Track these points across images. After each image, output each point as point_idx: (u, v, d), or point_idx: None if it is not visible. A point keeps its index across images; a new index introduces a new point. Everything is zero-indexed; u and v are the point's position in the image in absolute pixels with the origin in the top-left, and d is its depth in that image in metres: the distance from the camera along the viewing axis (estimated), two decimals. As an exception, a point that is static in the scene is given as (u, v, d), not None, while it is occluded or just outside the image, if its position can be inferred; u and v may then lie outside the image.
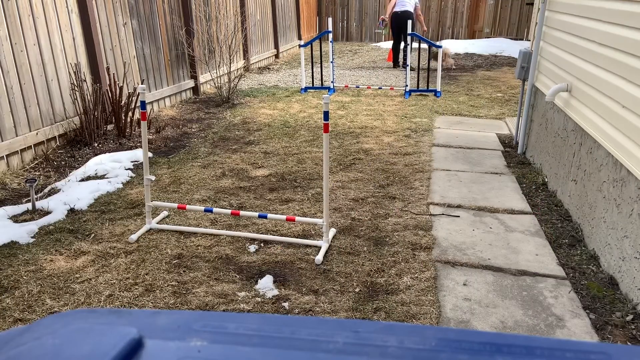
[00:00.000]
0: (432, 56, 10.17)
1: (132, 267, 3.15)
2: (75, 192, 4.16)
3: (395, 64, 10.83)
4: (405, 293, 2.87)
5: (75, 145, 5.29)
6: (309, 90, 8.54)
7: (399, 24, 10.13)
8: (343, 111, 7.14)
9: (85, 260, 3.22)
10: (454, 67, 10.75)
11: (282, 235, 3.57)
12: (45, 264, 3.17)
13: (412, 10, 10.14)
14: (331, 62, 8.44)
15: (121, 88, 5.53)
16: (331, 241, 3.45)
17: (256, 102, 7.71)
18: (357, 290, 2.92)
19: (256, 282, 2.99)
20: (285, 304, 2.79)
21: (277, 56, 12.10)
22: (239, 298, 2.84)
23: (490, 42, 13.29)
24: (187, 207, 3.65)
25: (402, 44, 10.57)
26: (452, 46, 12.80)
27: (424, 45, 10.52)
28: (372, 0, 15.30)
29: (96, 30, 5.63)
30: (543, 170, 4.66)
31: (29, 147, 4.85)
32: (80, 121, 5.30)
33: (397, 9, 10.20)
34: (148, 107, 6.71)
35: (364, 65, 11.38)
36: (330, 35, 8.32)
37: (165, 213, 3.86)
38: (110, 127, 5.72)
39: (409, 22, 8.22)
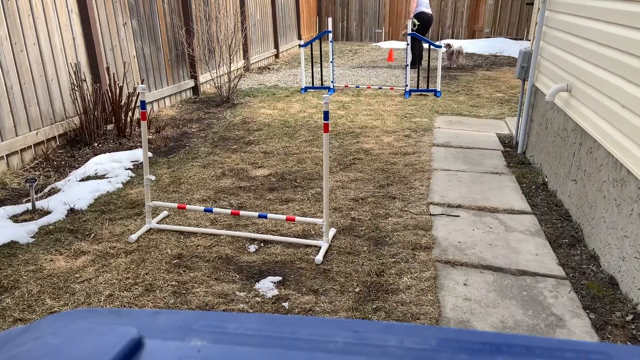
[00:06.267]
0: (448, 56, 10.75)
1: (132, 267, 3.15)
2: (75, 192, 4.16)
3: (417, 64, 10.03)
4: (405, 293, 2.87)
5: (75, 145, 5.29)
6: (309, 90, 8.54)
7: (428, 26, 10.31)
8: (343, 111, 7.14)
9: (85, 260, 3.22)
10: (462, 64, 10.96)
11: (282, 235, 3.57)
12: (45, 264, 3.17)
13: None
14: (331, 62, 8.44)
15: (121, 88, 5.53)
16: (331, 241, 3.45)
17: (256, 102, 7.71)
18: (357, 290, 2.92)
19: (256, 282, 2.99)
20: (285, 304, 2.79)
21: (277, 56, 12.09)
22: (239, 298, 2.84)
23: (490, 42, 13.29)
24: (187, 207, 3.65)
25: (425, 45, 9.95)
26: (454, 45, 12.79)
27: (424, 45, 10.51)
28: (372, 0, 15.29)
29: (96, 30, 5.63)
30: (543, 170, 4.66)
31: (29, 147, 4.85)
32: (80, 121, 5.30)
33: (426, 10, 10.14)
34: (148, 107, 6.71)
35: (364, 65, 11.38)
36: (330, 35, 8.32)
37: (165, 213, 3.86)
38: (110, 127, 5.72)
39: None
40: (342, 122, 6.53)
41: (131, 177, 4.65)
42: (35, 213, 3.85)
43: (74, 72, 5.33)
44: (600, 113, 3.42)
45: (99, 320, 0.69)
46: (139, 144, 5.50)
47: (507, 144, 5.69)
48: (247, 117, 6.85)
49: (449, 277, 3.04)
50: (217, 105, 7.52)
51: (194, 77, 7.90)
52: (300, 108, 7.33)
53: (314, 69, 9.47)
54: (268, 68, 10.97)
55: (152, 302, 2.80)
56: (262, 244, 3.44)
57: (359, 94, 8.25)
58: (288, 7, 12.82)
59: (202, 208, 3.62)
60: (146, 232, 3.59)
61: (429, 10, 10.21)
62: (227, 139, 5.85)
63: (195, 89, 8.01)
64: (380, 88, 8.59)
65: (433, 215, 3.86)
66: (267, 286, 2.94)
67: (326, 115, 3.05)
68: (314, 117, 6.81)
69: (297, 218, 3.47)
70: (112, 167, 4.79)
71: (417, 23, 10.11)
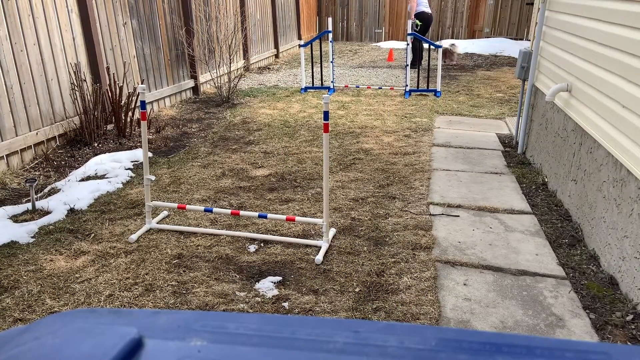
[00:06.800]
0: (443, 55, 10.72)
1: (132, 267, 3.15)
2: (75, 192, 4.16)
3: (417, 64, 9.91)
4: (405, 293, 2.87)
5: (75, 145, 5.29)
6: (309, 90, 8.54)
7: (428, 25, 10.34)
8: (343, 111, 7.14)
9: (85, 260, 3.22)
10: (455, 61, 11.00)
11: (282, 235, 3.57)
12: (45, 264, 3.17)
13: None
14: (331, 62, 8.44)
15: (121, 88, 5.53)
16: (331, 241, 3.45)
17: (256, 102, 7.71)
18: (357, 290, 2.92)
19: (256, 282, 2.99)
20: (285, 304, 2.79)
21: (277, 56, 12.09)
22: (239, 298, 2.84)
23: (490, 42, 13.28)
24: (187, 207, 3.65)
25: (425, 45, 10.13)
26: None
27: (424, 45, 10.52)
28: (372, 0, 15.30)
29: (96, 30, 5.63)
30: (543, 170, 4.66)
31: (29, 147, 4.85)
32: (80, 121, 5.30)
33: (426, 9, 10.16)
34: (148, 107, 6.71)
35: (364, 65, 11.38)
36: (330, 35, 8.32)
37: (165, 213, 3.86)
38: (110, 127, 5.72)
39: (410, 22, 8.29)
40: (342, 122, 6.53)
41: (131, 177, 4.65)
42: (35, 213, 3.85)
43: (74, 72, 5.33)
44: (600, 113, 3.42)
45: (99, 320, 0.69)
46: (139, 144, 5.50)
47: (507, 144, 5.69)
48: (247, 117, 6.85)
49: (449, 277, 3.04)
50: (217, 105, 7.52)
51: (194, 77, 7.90)
52: (300, 108, 7.33)
53: (314, 69, 9.46)
54: (268, 68, 10.97)
55: (152, 302, 2.79)
56: (262, 244, 3.44)
57: (359, 94, 8.25)
58: (288, 7, 12.82)
59: (202, 208, 3.62)
60: (146, 232, 3.59)
61: (428, 10, 10.23)
62: (227, 139, 5.85)
63: (195, 89, 8.01)
64: (380, 88, 8.59)
65: (433, 215, 3.86)
66: (267, 286, 2.94)
67: (326, 115, 3.05)
68: (314, 117, 6.81)
69: (297, 218, 3.47)
70: (112, 167, 4.79)
71: (419, 24, 10.11)
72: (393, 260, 3.22)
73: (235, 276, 3.06)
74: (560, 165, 4.20)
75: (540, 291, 2.89)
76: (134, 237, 3.46)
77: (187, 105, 7.51)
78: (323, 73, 8.91)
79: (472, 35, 14.67)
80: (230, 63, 7.63)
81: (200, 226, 3.70)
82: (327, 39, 8.61)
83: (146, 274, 3.07)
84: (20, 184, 4.43)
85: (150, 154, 5.30)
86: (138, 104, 5.90)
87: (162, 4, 7.01)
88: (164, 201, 4.09)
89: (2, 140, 4.51)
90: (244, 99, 7.94)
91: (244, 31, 9.27)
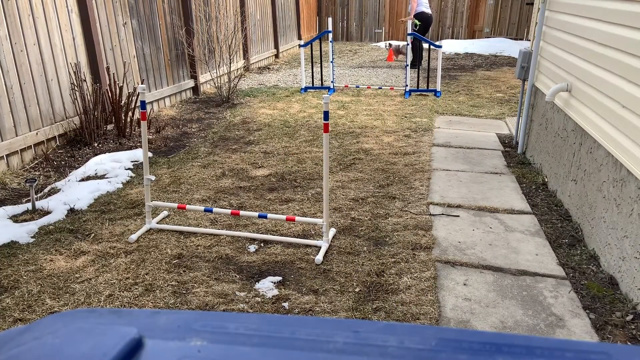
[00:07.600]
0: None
1: (132, 267, 3.15)
2: (75, 192, 4.16)
3: (418, 64, 9.86)
4: (405, 293, 2.87)
5: (75, 145, 5.29)
6: (309, 90, 8.54)
7: (428, 25, 10.32)
8: (343, 111, 7.13)
9: (85, 260, 3.22)
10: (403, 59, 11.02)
11: (282, 235, 3.57)
12: (45, 264, 3.17)
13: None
14: (331, 62, 8.44)
15: (121, 88, 5.53)
16: (331, 241, 3.45)
17: (256, 102, 7.71)
18: (357, 290, 2.92)
19: (256, 282, 2.99)
20: (285, 304, 2.79)
21: (277, 56, 12.09)
22: (239, 298, 2.84)
23: (490, 42, 13.29)
24: (187, 207, 3.65)
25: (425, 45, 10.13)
26: (452, 46, 12.82)
27: (424, 45, 10.51)
28: (372, 0, 15.29)
29: (96, 30, 5.63)
30: (543, 170, 4.66)
31: (29, 147, 4.85)
32: (80, 121, 5.30)
33: (426, 9, 10.15)
34: (148, 107, 6.71)
35: (364, 65, 11.38)
36: (330, 35, 8.32)
37: (165, 213, 3.86)
38: (110, 127, 5.72)
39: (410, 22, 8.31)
40: (342, 122, 6.53)
41: (131, 177, 4.65)
42: (35, 213, 3.85)
43: (74, 72, 5.33)
44: (600, 113, 3.42)
45: (99, 320, 0.69)
46: (139, 144, 5.50)
47: (507, 144, 5.69)
48: (247, 117, 6.85)
49: (449, 277, 3.04)
50: (217, 105, 7.52)
51: (194, 77, 7.90)
52: (300, 108, 7.32)
53: (314, 69, 9.46)
54: (268, 68, 10.97)
55: (152, 302, 2.79)
56: (262, 244, 3.44)
57: (359, 94, 8.25)
58: (288, 7, 12.82)
59: (202, 208, 3.62)
60: (146, 232, 3.59)
61: (428, 10, 10.22)
62: (227, 139, 5.85)
63: (195, 89, 8.01)
64: (380, 88, 8.59)
65: (433, 215, 3.86)
66: (267, 286, 2.94)
67: (326, 115, 3.05)
68: (314, 117, 6.81)
69: (297, 218, 3.47)
70: (112, 167, 4.79)
71: (418, 23, 10.10)
72: (393, 260, 3.22)
73: (235, 276, 3.06)
74: (560, 165, 4.20)
75: (540, 291, 2.89)
76: (134, 237, 3.46)
77: (187, 105, 7.51)
78: (323, 73, 8.91)
79: (472, 35, 14.67)
80: (230, 63, 7.63)
81: (200, 226, 3.70)
82: (327, 39, 8.61)
83: (146, 274, 3.07)
84: (20, 184, 4.43)
85: (150, 154, 5.30)
86: (138, 104, 5.90)
87: (162, 4, 7.01)
88: (164, 201, 4.09)
89: (2, 140, 4.51)
90: (244, 99, 7.94)
91: (244, 31, 9.27)
